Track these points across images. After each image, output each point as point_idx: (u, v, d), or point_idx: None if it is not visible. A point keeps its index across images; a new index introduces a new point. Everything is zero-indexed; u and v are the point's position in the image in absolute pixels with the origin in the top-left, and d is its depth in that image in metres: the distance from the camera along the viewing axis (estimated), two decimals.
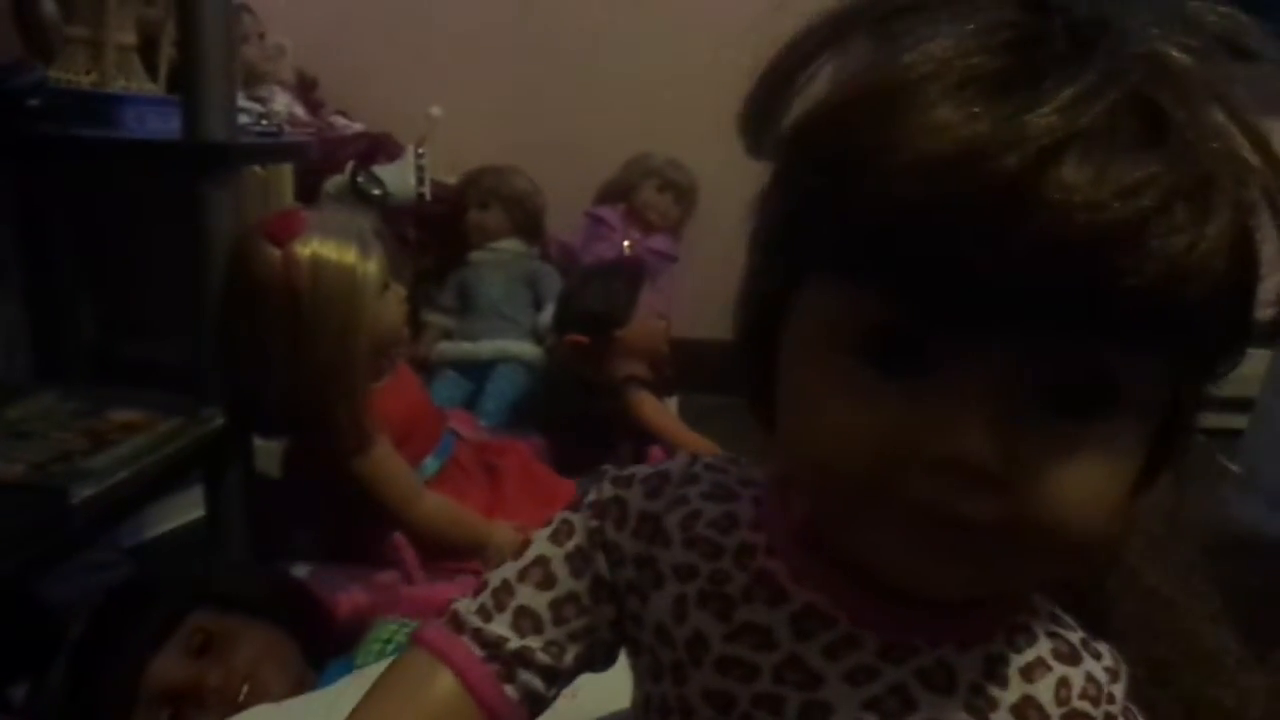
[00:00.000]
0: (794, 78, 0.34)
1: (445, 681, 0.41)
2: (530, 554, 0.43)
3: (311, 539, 1.23)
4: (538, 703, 0.43)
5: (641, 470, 0.44)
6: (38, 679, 0.83)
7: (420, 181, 1.82)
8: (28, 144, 1.11)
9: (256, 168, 1.43)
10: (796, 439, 0.35)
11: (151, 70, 1.40)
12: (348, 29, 2.15)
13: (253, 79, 1.89)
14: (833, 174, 0.31)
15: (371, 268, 1.10)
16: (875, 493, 0.32)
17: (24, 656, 0.91)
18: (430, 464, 1.23)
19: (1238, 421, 1.36)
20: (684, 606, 0.39)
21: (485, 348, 1.86)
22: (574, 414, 1.64)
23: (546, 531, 0.44)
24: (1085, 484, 0.32)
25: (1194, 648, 0.52)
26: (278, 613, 0.87)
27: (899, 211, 0.29)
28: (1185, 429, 0.36)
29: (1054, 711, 0.37)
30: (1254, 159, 0.31)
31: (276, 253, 1.07)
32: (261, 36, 1.96)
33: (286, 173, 1.50)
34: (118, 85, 1.30)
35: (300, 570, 1.11)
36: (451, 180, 2.02)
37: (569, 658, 0.42)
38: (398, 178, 1.80)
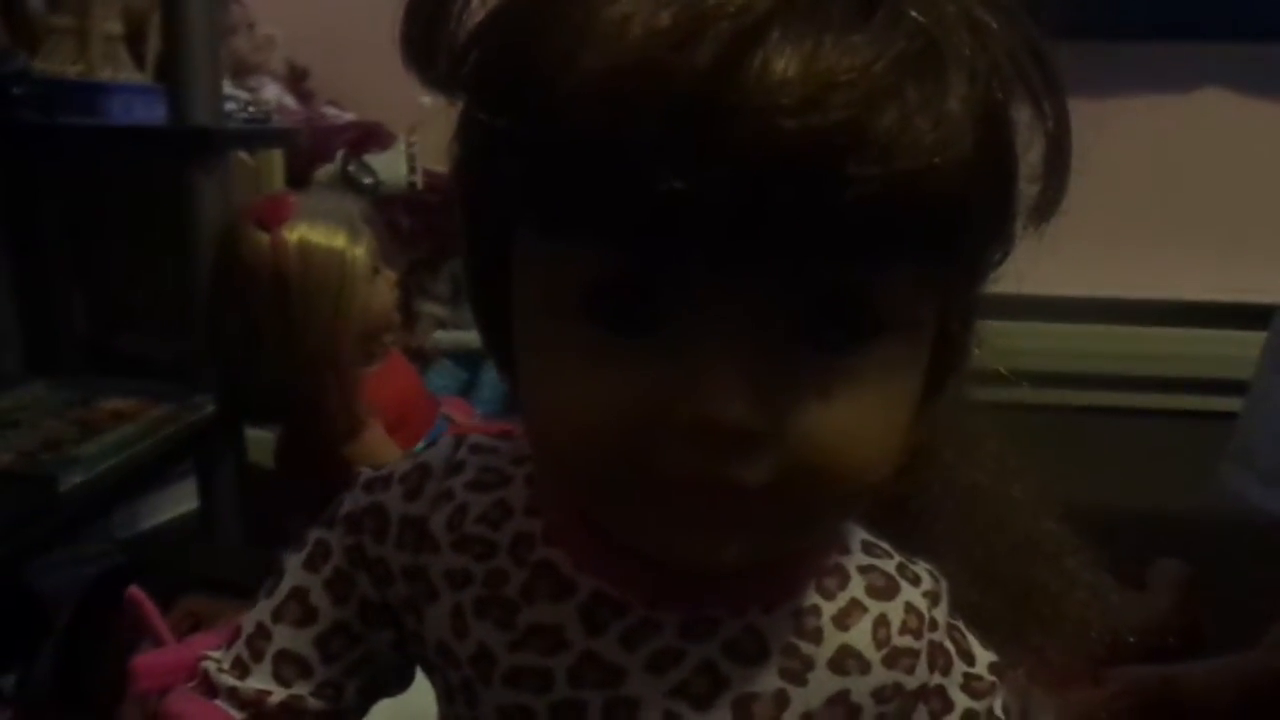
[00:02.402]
0: None
1: None
2: (284, 586, 0.38)
3: (305, 527, 1.23)
4: None
5: (400, 467, 0.38)
6: (27, 666, 0.83)
7: (412, 170, 1.81)
8: (13, 132, 1.11)
9: (246, 157, 1.42)
10: (534, 416, 0.31)
11: (139, 60, 1.40)
12: (338, 19, 2.14)
13: (242, 70, 1.88)
14: (508, 105, 0.27)
15: (360, 252, 1.09)
16: (628, 468, 0.28)
17: (14, 646, 0.90)
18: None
19: (1232, 404, 1.36)
20: (462, 618, 0.35)
21: None
22: None
23: (299, 557, 0.38)
24: (859, 421, 0.28)
25: (1016, 537, 0.50)
26: None
27: (584, 141, 0.25)
28: (961, 337, 0.33)
29: (874, 656, 0.35)
30: (991, 20, 0.27)
31: (265, 238, 1.06)
32: (251, 27, 1.95)
33: (276, 161, 1.49)
34: (104, 75, 1.30)
35: None
36: (443, 169, 2.01)
37: (350, 694, 0.38)
38: (389, 166, 1.79)
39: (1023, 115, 0.29)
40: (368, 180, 1.73)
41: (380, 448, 1.13)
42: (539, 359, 0.30)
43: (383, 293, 1.16)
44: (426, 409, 1.27)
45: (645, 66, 0.24)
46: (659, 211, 0.25)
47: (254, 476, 1.21)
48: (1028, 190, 0.30)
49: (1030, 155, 0.29)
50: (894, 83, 0.24)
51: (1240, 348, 1.54)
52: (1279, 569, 1.06)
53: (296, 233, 1.07)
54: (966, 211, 0.26)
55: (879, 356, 0.28)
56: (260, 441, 1.25)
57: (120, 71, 1.33)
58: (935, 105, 0.25)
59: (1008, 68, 0.27)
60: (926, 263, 0.28)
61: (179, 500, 1.37)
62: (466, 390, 1.81)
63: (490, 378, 1.82)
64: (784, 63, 0.24)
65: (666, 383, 0.27)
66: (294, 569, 0.38)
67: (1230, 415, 1.35)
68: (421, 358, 1.83)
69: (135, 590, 0.59)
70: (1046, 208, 0.30)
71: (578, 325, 0.28)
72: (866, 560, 0.37)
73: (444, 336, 1.90)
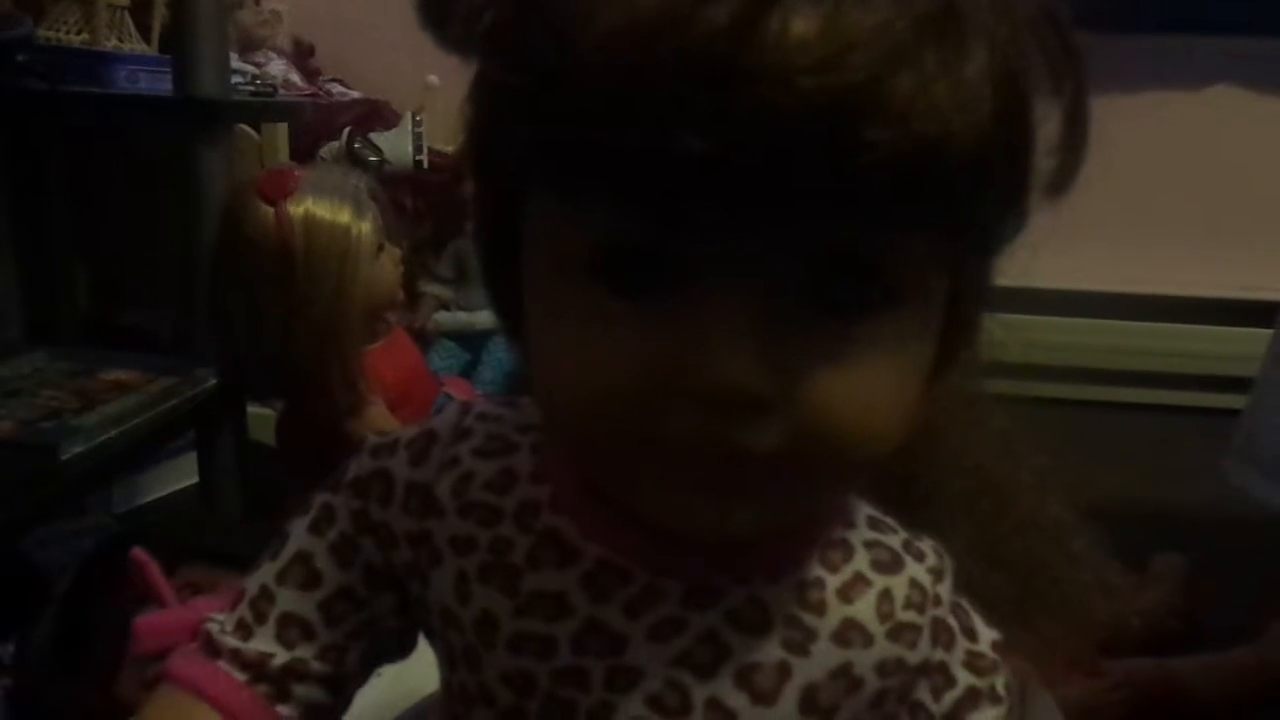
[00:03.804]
0: None
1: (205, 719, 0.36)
2: (289, 549, 0.38)
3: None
4: (325, 714, 0.38)
5: (406, 434, 0.38)
6: (25, 634, 0.83)
7: (418, 149, 1.80)
8: (16, 99, 1.10)
9: (251, 131, 1.41)
10: (542, 379, 0.30)
11: (145, 31, 1.39)
12: None
13: (248, 45, 1.87)
14: (523, 63, 0.26)
15: (365, 228, 1.09)
16: (636, 433, 0.28)
17: (12, 615, 0.90)
18: None
19: (1237, 400, 1.36)
20: (466, 584, 0.35)
21: (483, 317, 1.85)
22: None
23: (305, 521, 0.38)
24: (868, 389, 0.28)
25: (1021, 518, 0.50)
26: None
27: (600, 100, 0.24)
28: (973, 309, 0.33)
29: (877, 629, 0.34)
30: None
31: (269, 211, 1.05)
32: (257, 2, 1.94)
33: (281, 137, 1.48)
34: (109, 45, 1.29)
35: None
36: (449, 149, 2.00)
37: (352, 659, 0.38)
38: (395, 145, 1.78)
39: (1041, 87, 0.28)
40: (373, 158, 1.72)
41: (382, 425, 1.13)
42: (549, 323, 0.30)
43: (387, 269, 1.15)
44: (428, 387, 1.27)
45: (663, 24, 0.24)
46: (673, 172, 0.24)
47: (255, 452, 1.21)
48: (1044, 163, 0.29)
49: (1047, 128, 0.29)
50: (913, 46, 0.24)
51: (1246, 344, 1.54)
52: None
53: (301, 207, 1.06)
54: (981, 179, 0.26)
55: (890, 326, 0.28)
56: (261, 419, 1.25)
57: (125, 42, 1.32)
58: (953, 71, 0.25)
59: (1027, 37, 0.27)
60: (940, 231, 0.27)
61: (179, 475, 1.37)
62: (468, 371, 1.81)
63: (492, 359, 1.81)
64: (803, 22, 0.24)
65: (677, 347, 0.27)
66: (299, 532, 0.38)
67: (1235, 411, 1.35)
68: (423, 338, 1.82)
69: (139, 551, 0.60)
70: (1062, 181, 0.30)
71: (588, 288, 0.28)
72: (872, 535, 0.37)
73: (446, 317, 1.89)
